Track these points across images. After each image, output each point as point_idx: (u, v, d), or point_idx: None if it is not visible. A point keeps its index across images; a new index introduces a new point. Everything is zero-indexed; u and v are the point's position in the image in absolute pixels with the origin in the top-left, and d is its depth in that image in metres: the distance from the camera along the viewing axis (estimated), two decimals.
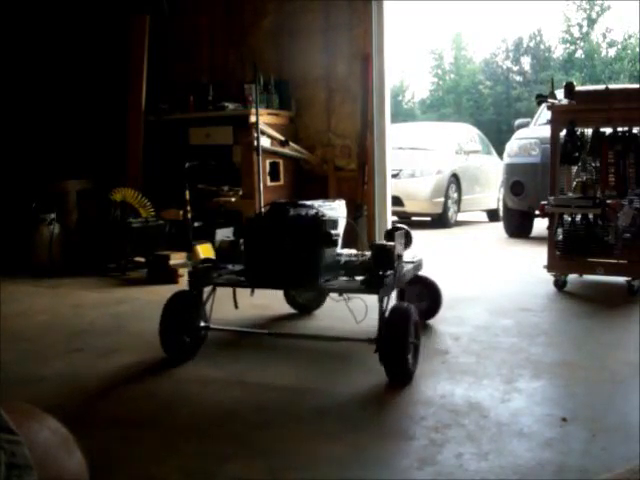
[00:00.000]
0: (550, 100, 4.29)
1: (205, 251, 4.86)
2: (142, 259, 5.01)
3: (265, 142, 5.47)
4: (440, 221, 8.74)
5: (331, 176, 5.97)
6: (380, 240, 5.75)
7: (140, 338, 3.17)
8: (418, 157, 8.89)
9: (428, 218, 8.88)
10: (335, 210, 3.36)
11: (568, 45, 29.26)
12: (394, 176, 7.36)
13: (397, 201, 7.95)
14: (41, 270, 5.08)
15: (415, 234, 3.34)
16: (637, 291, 4.03)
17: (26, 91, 6.11)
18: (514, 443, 1.97)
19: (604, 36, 28.54)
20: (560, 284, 4.24)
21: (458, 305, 3.72)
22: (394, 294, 2.82)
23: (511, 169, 7.11)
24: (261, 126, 5.33)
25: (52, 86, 6.20)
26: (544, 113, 6.78)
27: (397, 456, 1.95)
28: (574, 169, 4.27)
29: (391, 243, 2.73)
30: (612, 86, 5.37)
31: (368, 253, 2.89)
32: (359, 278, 2.71)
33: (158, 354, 2.80)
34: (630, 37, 27.34)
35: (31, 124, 6.10)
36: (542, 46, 29.83)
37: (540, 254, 4.62)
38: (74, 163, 5.95)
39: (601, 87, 4.63)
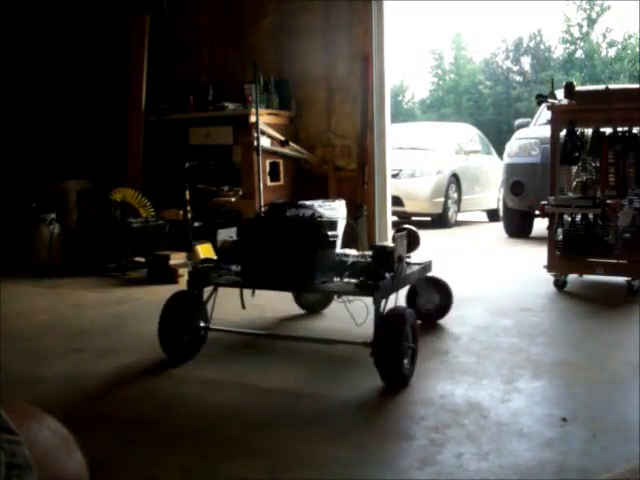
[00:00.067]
0: (550, 100, 4.29)
1: (205, 251, 4.86)
2: (142, 259, 5.01)
3: (265, 142, 5.47)
4: (440, 221, 8.73)
5: (331, 176, 5.97)
6: (381, 241, 5.78)
7: (140, 338, 3.17)
8: (418, 157, 8.88)
9: (428, 218, 8.88)
10: (335, 210, 3.36)
11: (568, 45, 29.27)
12: (394, 176, 7.36)
13: (397, 201, 7.95)
14: (41, 270, 5.08)
15: None
16: (637, 291, 4.03)
17: (26, 91, 6.11)
18: (514, 443, 1.97)
19: (604, 36, 28.58)
20: (560, 284, 4.24)
21: (458, 305, 3.71)
22: (397, 296, 2.78)
23: (511, 169, 7.11)
24: (261, 126, 5.33)
25: (52, 86, 6.20)
26: (544, 113, 6.77)
27: (397, 456, 1.95)
28: (574, 169, 4.27)
29: (391, 245, 2.71)
30: (612, 86, 5.37)
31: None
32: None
33: (158, 354, 2.80)
34: (630, 37, 27.37)
35: (31, 124, 6.10)
36: (542, 46, 29.84)
37: (540, 254, 4.62)
38: (74, 163, 5.95)
39: (601, 87, 4.63)
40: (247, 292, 2.99)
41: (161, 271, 4.69)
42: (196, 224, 5.32)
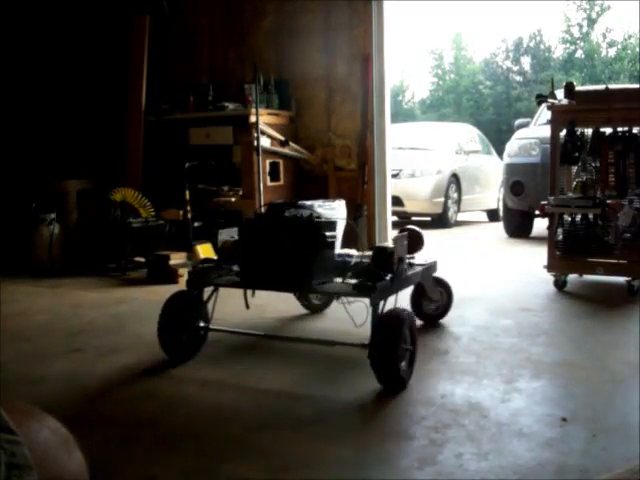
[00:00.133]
0: (550, 100, 4.29)
1: (205, 251, 4.86)
2: (142, 259, 5.01)
3: (265, 142, 5.47)
4: (440, 221, 8.73)
5: (331, 176, 5.97)
6: (381, 241, 5.78)
7: (140, 338, 3.17)
8: (418, 157, 8.88)
9: (428, 218, 8.88)
10: (335, 210, 3.36)
11: (568, 45, 29.27)
12: (394, 176, 7.36)
13: (397, 201, 7.95)
14: (41, 270, 5.08)
15: None
16: (637, 291, 4.03)
17: (26, 91, 6.11)
18: (514, 443, 1.97)
19: (604, 36, 28.58)
20: (560, 284, 4.24)
21: (458, 305, 3.71)
22: (396, 297, 2.75)
23: (511, 169, 7.11)
24: (261, 126, 5.33)
25: (52, 86, 6.20)
26: (544, 113, 6.77)
27: (397, 456, 1.95)
28: (574, 169, 4.27)
29: (391, 245, 2.69)
30: (612, 86, 5.37)
31: None
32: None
33: (158, 354, 2.80)
34: (630, 37, 27.37)
35: (31, 124, 6.10)
36: (542, 46, 29.84)
37: (540, 254, 4.62)
38: (74, 163, 5.95)
39: (601, 87, 4.63)
40: (248, 292, 2.99)
41: (161, 271, 4.69)
42: (196, 224, 5.32)
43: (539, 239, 6.36)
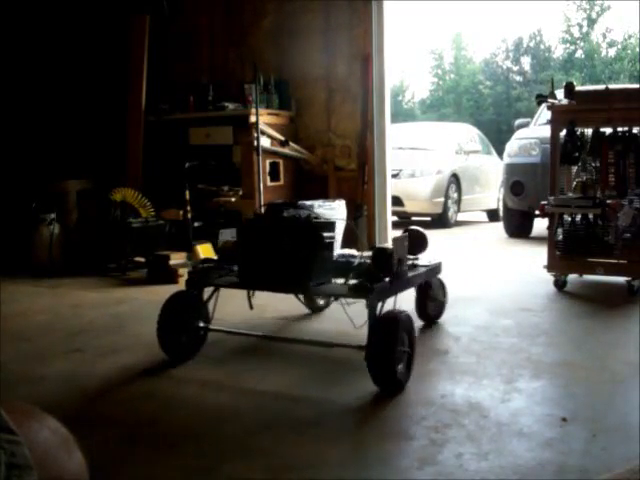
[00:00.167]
0: (550, 100, 4.29)
1: (205, 251, 4.86)
2: (142, 259, 5.01)
3: (265, 142, 5.47)
4: (440, 221, 8.73)
5: (331, 176, 5.97)
6: (381, 241, 5.78)
7: (140, 338, 3.17)
8: (418, 157, 8.88)
9: (428, 218, 8.88)
10: (335, 210, 3.35)
11: (568, 45, 29.26)
12: (394, 176, 7.36)
13: (397, 201, 7.95)
14: (41, 270, 5.08)
15: None
16: (637, 291, 4.03)
17: (26, 91, 6.11)
18: (514, 443, 1.97)
19: (604, 36, 28.57)
20: (560, 284, 4.24)
21: (458, 305, 3.72)
22: (395, 299, 2.71)
23: (511, 169, 7.11)
24: (261, 126, 5.33)
25: (52, 86, 6.20)
26: (544, 113, 6.77)
27: (397, 456, 1.95)
28: (574, 169, 4.27)
29: (390, 247, 2.66)
30: (612, 86, 5.37)
31: None
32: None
33: (157, 354, 2.80)
34: (630, 37, 27.36)
35: (31, 124, 6.10)
36: (542, 46, 29.83)
37: (540, 254, 4.62)
38: (74, 163, 5.95)
39: (601, 87, 4.63)
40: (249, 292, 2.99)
41: (161, 271, 4.69)
42: (196, 224, 5.32)
43: (539, 239, 6.36)
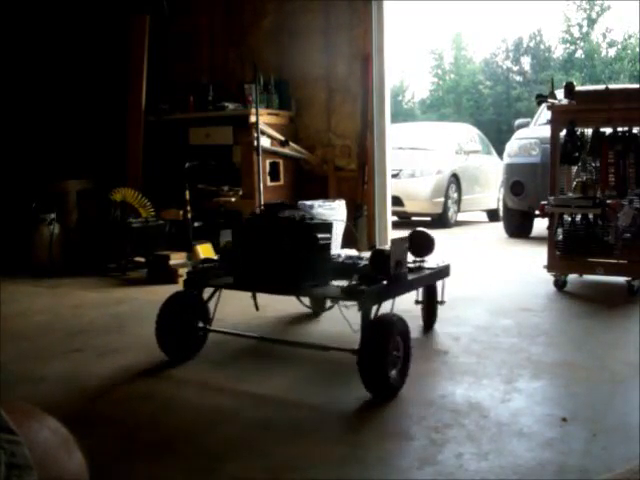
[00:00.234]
0: (550, 100, 4.29)
1: (205, 251, 4.86)
2: (142, 259, 5.01)
3: (265, 142, 5.47)
4: (440, 221, 8.73)
5: (331, 176, 5.97)
6: (381, 241, 5.78)
7: (140, 338, 3.16)
8: (418, 157, 8.88)
9: (428, 218, 8.88)
10: (335, 210, 3.35)
11: (568, 45, 29.27)
12: (394, 176, 7.36)
13: (397, 201, 7.95)
14: (41, 270, 5.08)
15: None
16: (637, 291, 4.03)
17: (26, 91, 6.11)
18: (514, 443, 1.97)
19: (604, 36, 28.59)
20: (560, 284, 4.24)
21: (458, 305, 3.72)
22: (393, 302, 2.67)
23: (511, 169, 7.11)
24: (261, 126, 5.33)
25: (52, 86, 6.20)
26: (544, 113, 6.77)
27: (397, 456, 1.95)
28: (574, 169, 4.27)
29: (388, 249, 2.61)
30: (612, 86, 5.36)
31: None
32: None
33: (157, 355, 2.80)
34: (630, 37, 27.38)
35: (31, 124, 6.10)
36: (542, 46, 29.84)
37: (540, 254, 4.62)
38: (74, 163, 5.95)
39: (601, 87, 4.63)
40: (248, 292, 2.99)
41: (161, 271, 4.69)
42: (196, 224, 5.32)
43: (539, 239, 6.36)
